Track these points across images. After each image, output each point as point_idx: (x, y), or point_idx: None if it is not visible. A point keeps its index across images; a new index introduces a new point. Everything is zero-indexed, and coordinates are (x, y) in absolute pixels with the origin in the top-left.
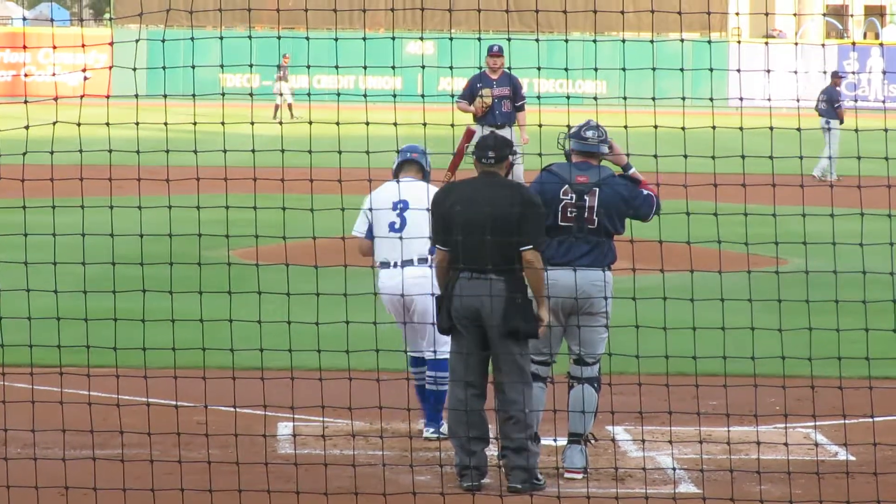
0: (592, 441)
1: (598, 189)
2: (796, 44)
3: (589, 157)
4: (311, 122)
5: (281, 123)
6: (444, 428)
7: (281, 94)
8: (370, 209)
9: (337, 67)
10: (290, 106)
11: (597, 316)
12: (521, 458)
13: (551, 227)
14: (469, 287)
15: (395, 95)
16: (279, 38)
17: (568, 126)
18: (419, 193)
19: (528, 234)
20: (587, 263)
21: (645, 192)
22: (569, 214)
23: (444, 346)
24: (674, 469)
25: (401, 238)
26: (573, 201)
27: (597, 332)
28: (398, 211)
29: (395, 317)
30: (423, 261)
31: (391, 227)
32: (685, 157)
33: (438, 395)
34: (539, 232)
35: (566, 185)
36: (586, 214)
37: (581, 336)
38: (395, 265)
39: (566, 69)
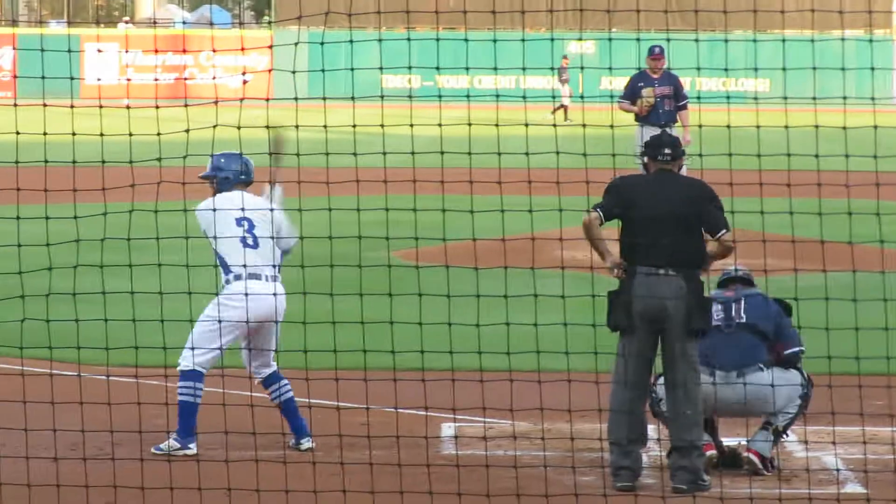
0: (784, 436)
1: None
2: None
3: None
4: (469, 124)
5: (555, 126)
6: (167, 444)
7: (563, 97)
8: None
9: (496, 69)
10: (565, 108)
11: None
12: (687, 459)
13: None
14: (651, 285)
15: (553, 96)
16: (437, 39)
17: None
18: (256, 206)
19: (719, 224)
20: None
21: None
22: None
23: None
24: (838, 469)
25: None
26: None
27: None
28: (247, 227)
29: (242, 331)
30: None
31: (244, 242)
32: (846, 156)
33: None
34: (725, 219)
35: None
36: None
37: None
38: (265, 278)
39: (725, 69)
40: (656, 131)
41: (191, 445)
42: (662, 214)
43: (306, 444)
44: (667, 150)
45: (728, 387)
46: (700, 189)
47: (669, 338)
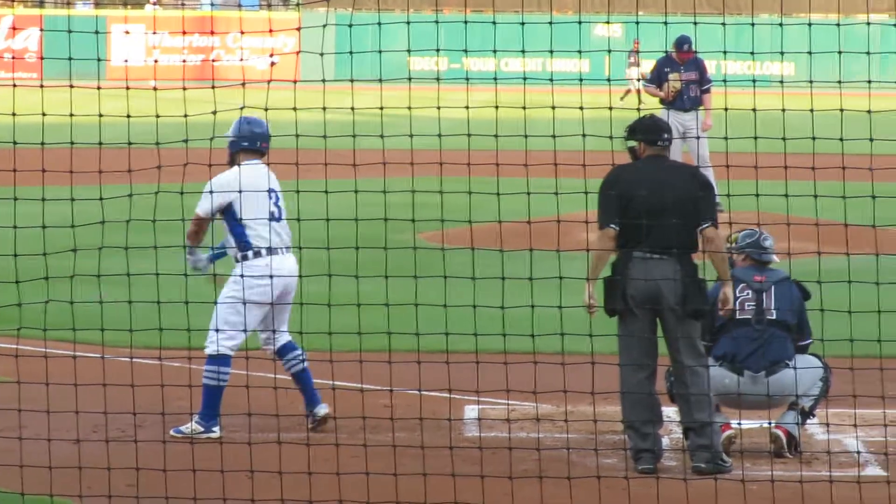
0: (811, 416)
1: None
2: None
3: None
4: (496, 107)
5: (639, 109)
6: (190, 427)
7: (633, 80)
8: (235, 191)
9: (523, 52)
10: (638, 91)
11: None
12: (705, 438)
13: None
14: (646, 269)
15: (581, 79)
16: (465, 22)
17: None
18: (275, 180)
19: (707, 213)
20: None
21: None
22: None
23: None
24: (859, 452)
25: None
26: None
27: None
28: (274, 200)
29: (265, 303)
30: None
31: (272, 215)
32: (871, 140)
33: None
34: (714, 211)
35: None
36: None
37: None
38: (283, 251)
39: (752, 53)
40: (682, 116)
41: (214, 429)
42: (660, 201)
43: (322, 410)
44: (666, 136)
45: (754, 386)
46: (695, 175)
47: (667, 320)
